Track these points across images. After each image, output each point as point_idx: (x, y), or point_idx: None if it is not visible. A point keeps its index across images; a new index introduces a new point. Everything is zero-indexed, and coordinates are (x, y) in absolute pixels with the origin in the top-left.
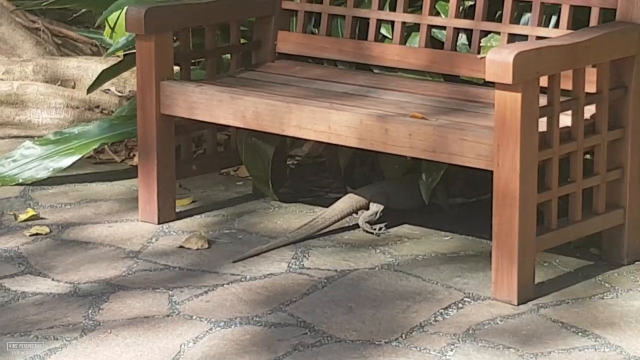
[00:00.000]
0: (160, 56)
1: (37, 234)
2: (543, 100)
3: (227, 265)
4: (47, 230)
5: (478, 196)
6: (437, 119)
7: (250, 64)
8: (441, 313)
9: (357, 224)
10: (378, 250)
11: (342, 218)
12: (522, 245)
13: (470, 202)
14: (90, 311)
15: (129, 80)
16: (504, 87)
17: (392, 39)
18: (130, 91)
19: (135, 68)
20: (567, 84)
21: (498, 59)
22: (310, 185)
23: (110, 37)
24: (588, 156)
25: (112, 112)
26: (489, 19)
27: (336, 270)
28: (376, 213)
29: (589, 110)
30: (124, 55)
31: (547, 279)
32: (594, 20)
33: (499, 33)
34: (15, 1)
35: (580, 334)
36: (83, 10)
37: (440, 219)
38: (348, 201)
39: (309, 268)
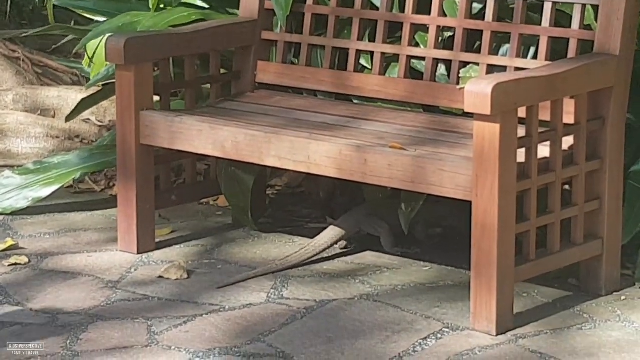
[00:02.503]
0: (140, 86)
1: (16, 264)
2: (521, 131)
3: (206, 296)
4: (26, 260)
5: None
6: (415, 149)
7: (230, 94)
8: (420, 343)
9: (335, 255)
10: (357, 281)
11: (330, 247)
12: (500, 276)
13: (450, 232)
14: (68, 341)
15: (109, 109)
16: (482, 118)
17: (371, 70)
18: (110, 121)
19: (115, 97)
20: (545, 115)
21: (477, 90)
22: (289, 215)
23: (89, 67)
24: (566, 187)
25: (92, 141)
26: (468, 50)
27: (315, 301)
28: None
29: (567, 142)
30: (104, 84)
31: (525, 310)
32: (572, 52)
33: (477, 64)
34: None
35: None
36: (64, 41)
37: (420, 249)
38: (331, 232)
39: (288, 298)
